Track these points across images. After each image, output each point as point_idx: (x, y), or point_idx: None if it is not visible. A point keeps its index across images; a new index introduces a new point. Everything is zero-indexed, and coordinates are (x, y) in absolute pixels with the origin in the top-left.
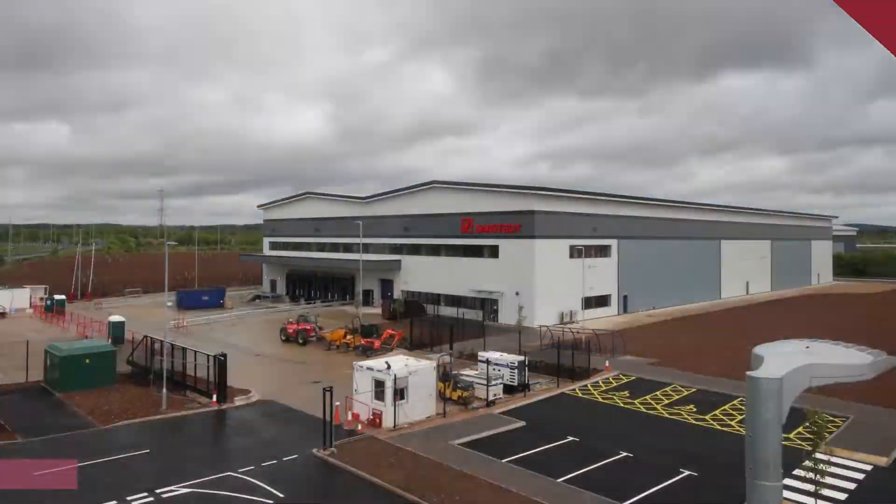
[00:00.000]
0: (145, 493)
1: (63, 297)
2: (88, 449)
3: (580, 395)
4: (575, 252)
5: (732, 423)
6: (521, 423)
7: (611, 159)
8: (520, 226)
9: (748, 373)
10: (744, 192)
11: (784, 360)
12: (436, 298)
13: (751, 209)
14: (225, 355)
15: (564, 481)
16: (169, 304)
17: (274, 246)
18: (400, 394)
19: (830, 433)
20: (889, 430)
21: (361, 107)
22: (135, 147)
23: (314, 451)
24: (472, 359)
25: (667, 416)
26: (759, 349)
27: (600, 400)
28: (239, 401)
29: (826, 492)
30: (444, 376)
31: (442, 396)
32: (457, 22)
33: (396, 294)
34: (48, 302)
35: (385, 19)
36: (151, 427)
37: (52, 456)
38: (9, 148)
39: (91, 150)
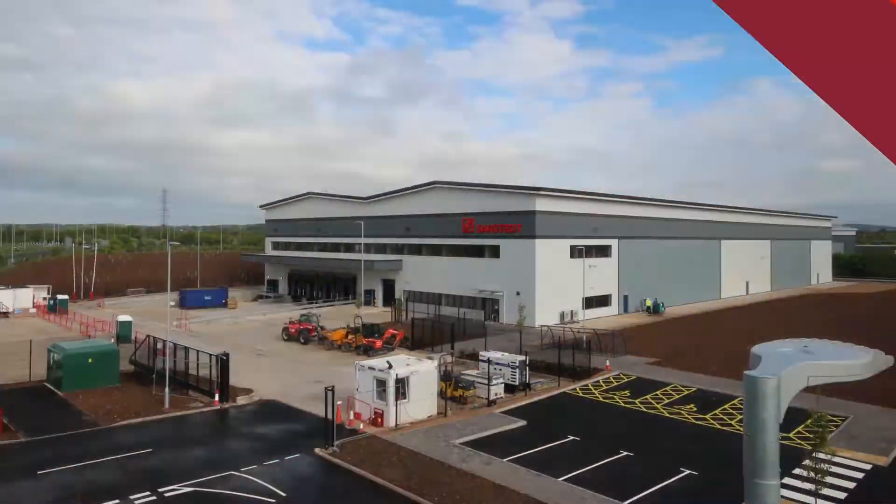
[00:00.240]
0: (148, 492)
1: (66, 296)
2: (91, 448)
3: (581, 394)
4: (576, 252)
5: (732, 422)
6: (522, 423)
7: None
8: (521, 226)
9: (746, 372)
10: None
11: (782, 360)
12: (437, 298)
13: (751, 209)
14: (227, 355)
15: (565, 480)
16: (172, 303)
17: (276, 246)
18: (401, 393)
19: (829, 432)
20: (889, 430)
21: None
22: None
23: (316, 450)
24: (474, 358)
25: (667, 415)
26: (757, 348)
27: (601, 399)
28: (241, 400)
29: (826, 491)
30: (446, 376)
31: (443, 396)
32: None
33: (398, 294)
34: (51, 302)
35: None
36: (154, 426)
37: (54, 455)
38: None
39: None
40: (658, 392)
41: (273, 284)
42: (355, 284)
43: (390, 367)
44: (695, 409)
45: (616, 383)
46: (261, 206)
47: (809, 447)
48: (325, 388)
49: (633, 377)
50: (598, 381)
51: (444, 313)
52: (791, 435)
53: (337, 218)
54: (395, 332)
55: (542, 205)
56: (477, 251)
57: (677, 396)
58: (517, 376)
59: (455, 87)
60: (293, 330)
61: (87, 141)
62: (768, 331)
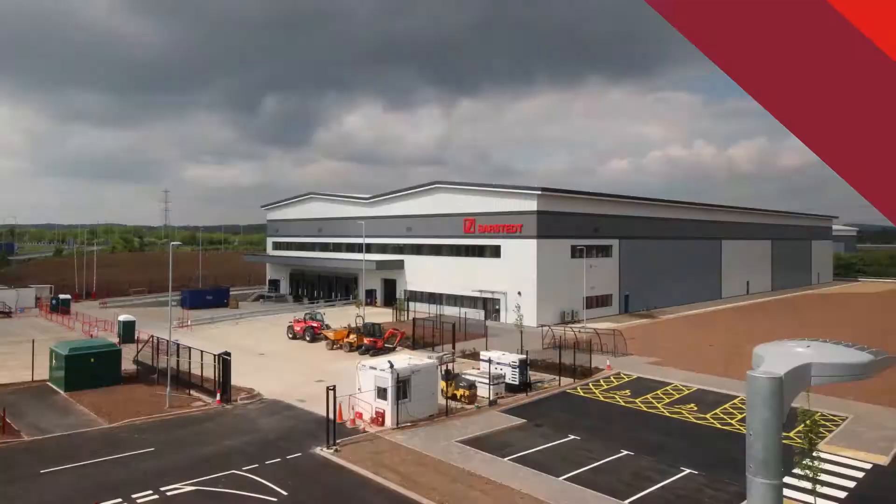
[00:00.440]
0: (150, 492)
1: (68, 296)
2: (93, 447)
3: (581, 393)
4: (576, 252)
5: (733, 421)
6: (523, 422)
7: None
8: (522, 226)
9: (748, 372)
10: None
11: (784, 359)
12: (438, 298)
13: (751, 209)
14: (229, 354)
15: (566, 479)
16: (174, 303)
17: (277, 246)
18: (403, 393)
19: (829, 432)
20: (889, 430)
21: None
22: None
23: (317, 449)
24: (475, 358)
25: (668, 414)
26: (759, 348)
27: (601, 399)
28: (243, 399)
29: (826, 490)
30: (447, 375)
31: (444, 395)
32: None
33: (399, 294)
34: (53, 301)
35: None
36: (156, 426)
37: (56, 455)
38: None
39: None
40: (659, 391)
41: (275, 284)
42: (356, 284)
43: (391, 366)
44: (695, 408)
45: (617, 383)
46: (262, 207)
47: (806, 447)
48: (327, 388)
49: (634, 377)
50: (598, 381)
51: (445, 313)
52: (792, 434)
53: (338, 218)
54: (396, 331)
55: (542, 205)
56: (478, 251)
57: (678, 396)
58: (518, 376)
59: None
60: (298, 328)
61: None
62: (769, 330)
